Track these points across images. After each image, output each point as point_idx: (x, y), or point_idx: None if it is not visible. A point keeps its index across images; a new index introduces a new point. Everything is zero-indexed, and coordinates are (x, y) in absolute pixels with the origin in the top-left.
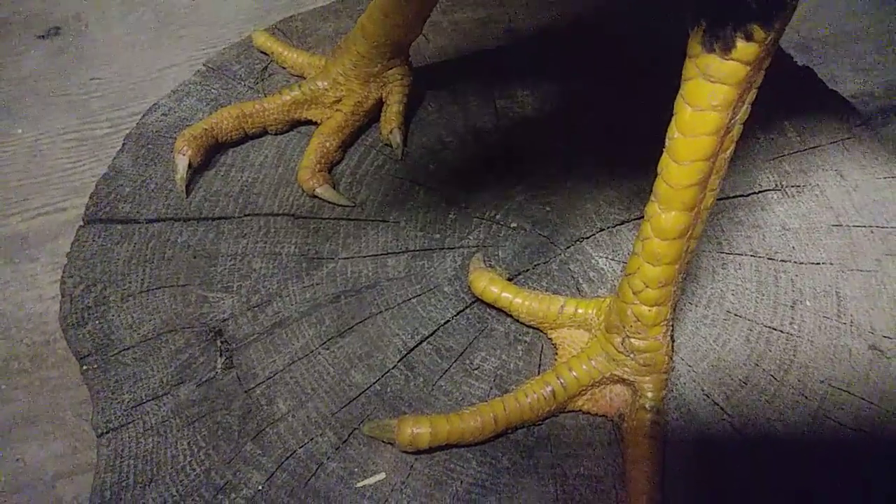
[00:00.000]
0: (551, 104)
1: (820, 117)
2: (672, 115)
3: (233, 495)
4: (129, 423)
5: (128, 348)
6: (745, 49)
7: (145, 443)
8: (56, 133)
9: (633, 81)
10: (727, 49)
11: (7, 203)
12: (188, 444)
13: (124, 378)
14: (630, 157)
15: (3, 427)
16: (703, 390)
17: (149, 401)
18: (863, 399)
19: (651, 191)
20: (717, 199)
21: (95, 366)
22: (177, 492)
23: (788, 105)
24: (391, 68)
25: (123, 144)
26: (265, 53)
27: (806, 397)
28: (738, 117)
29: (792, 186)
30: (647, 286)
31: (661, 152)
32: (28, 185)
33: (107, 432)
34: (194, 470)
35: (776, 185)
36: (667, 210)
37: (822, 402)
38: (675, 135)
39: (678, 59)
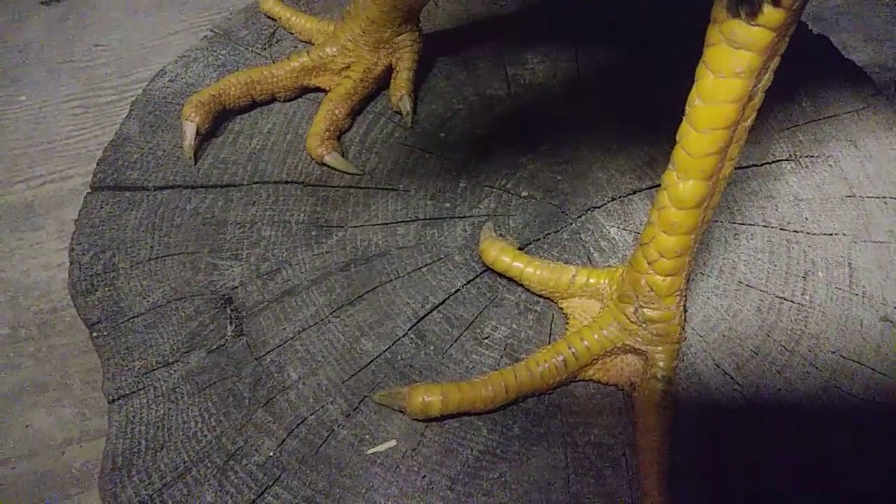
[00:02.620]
0: (563, 71)
1: (835, 87)
2: (692, 81)
3: (244, 461)
4: (140, 389)
5: (137, 315)
6: (771, 14)
7: (156, 409)
8: (60, 100)
9: (647, 48)
10: (753, 14)
11: (12, 171)
12: (199, 410)
13: (134, 345)
14: (643, 126)
15: (12, 394)
16: (713, 360)
17: (159, 368)
18: (873, 370)
19: (666, 160)
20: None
21: (105, 333)
22: (188, 458)
23: (803, 74)
24: (401, 34)
25: (130, 111)
26: (272, 19)
27: (816, 368)
28: (760, 85)
29: (806, 157)
30: (661, 256)
31: (676, 121)
32: (33, 153)
33: (118, 399)
34: (206, 436)
35: (790, 156)
36: (685, 179)
37: (832, 372)
38: (695, 102)
39: (695, 25)
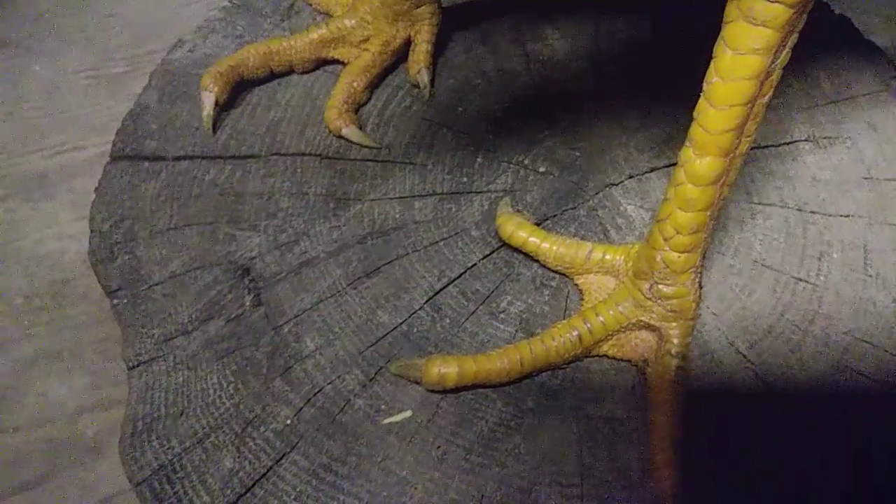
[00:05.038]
0: (582, 47)
1: (855, 68)
2: (709, 58)
3: (262, 428)
4: (160, 356)
5: (157, 284)
6: None
7: (175, 376)
8: (74, 71)
9: (666, 24)
10: None
11: (25, 141)
12: (218, 378)
13: (154, 313)
14: (661, 103)
15: (26, 363)
16: (727, 338)
17: (178, 335)
18: (885, 351)
19: (682, 140)
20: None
21: (125, 300)
22: (207, 424)
23: (824, 54)
24: (420, 6)
25: (149, 81)
26: None
27: (829, 348)
28: (778, 61)
29: (824, 138)
30: (677, 232)
31: (694, 98)
32: (46, 124)
33: (137, 365)
34: (224, 403)
35: (808, 136)
36: (702, 155)
37: (844, 352)
38: (713, 79)
39: (715, 2)
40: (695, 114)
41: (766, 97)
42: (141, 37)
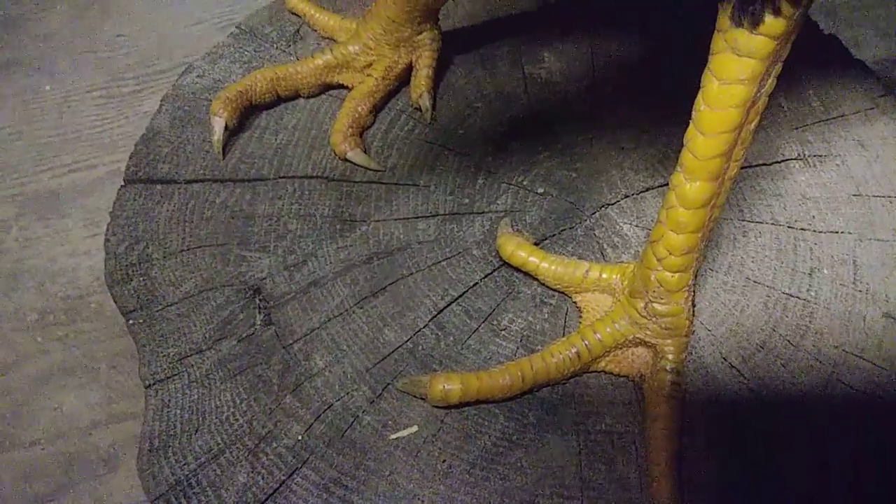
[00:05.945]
0: (579, 70)
1: (844, 86)
2: (699, 86)
3: (274, 444)
4: (175, 375)
5: (171, 304)
6: (773, 24)
7: (190, 394)
8: (84, 90)
9: (661, 48)
10: (755, 24)
11: (38, 160)
12: (231, 395)
13: (169, 333)
14: (656, 125)
15: (41, 377)
16: (721, 354)
17: (193, 354)
18: (875, 365)
19: (676, 160)
20: (740, 168)
21: (141, 321)
22: (221, 440)
23: (813, 74)
24: (421, 32)
25: (160, 106)
26: (297, 15)
27: (820, 362)
28: (764, 90)
29: (814, 156)
30: (670, 253)
31: (688, 118)
32: (58, 142)
33: (154, 384)
34: (237, 420)
35: (798, 155)
36: (692, 180)
37: (835, 366)
38: (701, 107)
39: (705, 30)
40: (685, 140)
41: (753, 124)
42: (149, 56)
